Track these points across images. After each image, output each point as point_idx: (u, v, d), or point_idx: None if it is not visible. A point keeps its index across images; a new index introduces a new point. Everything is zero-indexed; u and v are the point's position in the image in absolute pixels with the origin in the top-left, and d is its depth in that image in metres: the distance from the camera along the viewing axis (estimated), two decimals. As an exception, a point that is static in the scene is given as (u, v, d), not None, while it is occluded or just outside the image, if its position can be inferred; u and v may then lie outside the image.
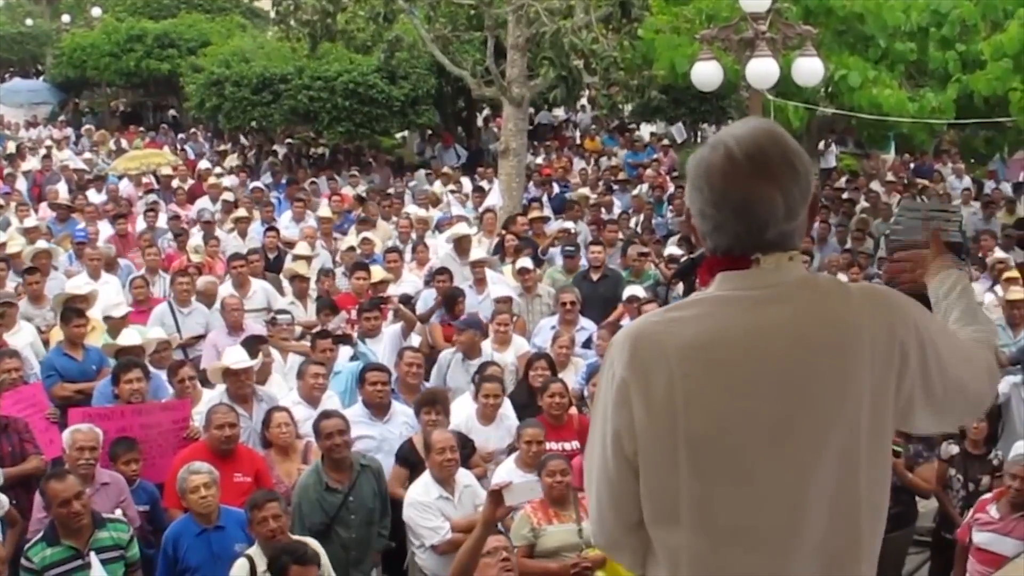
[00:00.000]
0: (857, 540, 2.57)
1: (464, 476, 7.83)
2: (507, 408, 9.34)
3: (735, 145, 2.53)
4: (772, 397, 2.48)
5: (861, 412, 2.53)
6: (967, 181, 22.19)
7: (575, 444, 8.95)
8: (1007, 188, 21.85)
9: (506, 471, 8.19)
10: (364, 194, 20.88)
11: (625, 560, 2.78)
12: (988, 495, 8.01)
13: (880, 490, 2.62)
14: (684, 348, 2.48)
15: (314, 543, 7.12)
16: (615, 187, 21.78)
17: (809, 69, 14.20)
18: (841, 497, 2.52)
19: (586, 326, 11.65)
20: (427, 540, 7.58)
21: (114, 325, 10.65)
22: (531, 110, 24.11)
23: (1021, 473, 7.66)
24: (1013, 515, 7.62)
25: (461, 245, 14.03)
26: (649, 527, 2.57)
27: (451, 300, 11.89)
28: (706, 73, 14.38)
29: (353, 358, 10.43)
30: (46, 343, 11.07)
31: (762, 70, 13.67)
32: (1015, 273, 12.64)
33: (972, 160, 22.17)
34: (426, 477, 7.67)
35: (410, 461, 8.39)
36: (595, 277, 13.06)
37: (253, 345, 9.82)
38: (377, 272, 12.81)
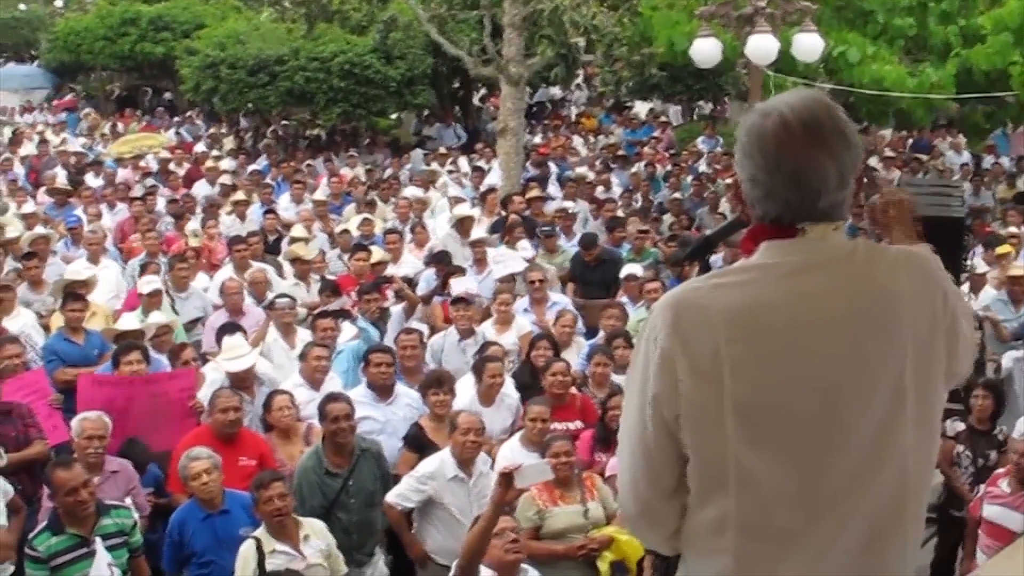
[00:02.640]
0: (903, 502, 2.62)
1: (482, 461, 7.79)
2: (508, 388, 9.33)
3: (790, 113, 2.56)
4: (816, 363, 2.52)
5: (905, 376, 2.56)
6: (966, 156, 22.14)
7: (578, 424, 8.97)
8: (1006, 162, 21.82)
9: (510, 450, 8.20)
10: (364, 175, 20.82)
11: (655, 532, 2.78)
12: (1001, 470, 8.01)
13: (928, 452, 2.68)
14: (728, 314, 2.50)
15: (319, 525, 7.13)
16: (613, 165, 21.73)
17: (809, 45, 14.16)
18: (887, 460, 2.57)
19: (557, 300, 11.67)
20: (391, 495, 7.63)
21: (146, 306, 10.69)
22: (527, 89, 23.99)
23: (1023, 448, 7.66)
24: (1022, 490, 7.61)
25: (464, 226, 14.00)
26: (697, 498, 2.60)
27: (444, 279, 11.97)
28: (705, 50, 14.34)
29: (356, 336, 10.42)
30: (46, 328, 11.03)
31: (762, 46, 13.64)
32: (1006, 249, 12.67)
33: (972, 135, 22.08)
34: (445, 454, 7.66)
35: (419, 444, 8.37)
36: (592, 261, 13.04)
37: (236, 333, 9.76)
38: (376, 253, 12.77)
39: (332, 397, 8.06)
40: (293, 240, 13.84)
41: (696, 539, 2.65)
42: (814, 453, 2.52)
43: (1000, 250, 12.67)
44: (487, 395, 9.07)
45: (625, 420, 2.70)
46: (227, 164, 21.93)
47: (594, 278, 12.79)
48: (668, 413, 2.55)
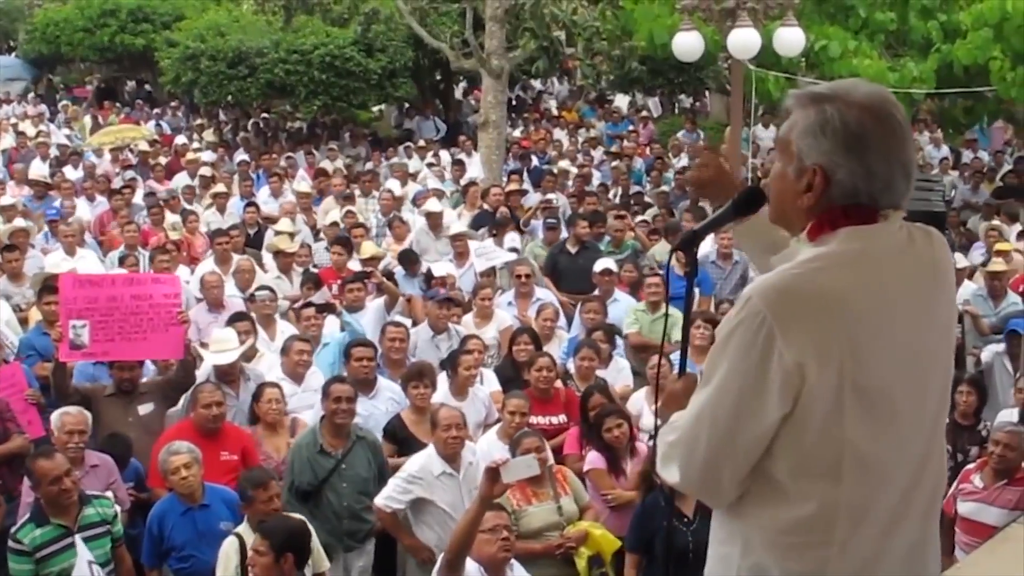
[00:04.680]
0: (944, 466, 2.81)
1: (469, 452, 7.76)
2: (478, 382, 9.34)
3: (892, 107, 2.67)
4: (906, 339, 2.65)
5: (952, 342, 2.83)
6: (945, 150, 22.22)
7: (562, 418, 8.97)
8: (984, 157, 21.91)
9: (488, 443, 8.21)
10: (344, 168, 20.77)
11: (716, 502, 2.84)
12: (972, 465, 8.02)
13: None
14: (842, 298, 2.58)
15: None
16: (604, 158, 21.76)
17: (790, 39, 14.15)
18: (942, 423, 2.79)
19: (541, 296, 11.66)
20: (379, 498, 7.55)
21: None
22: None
23: (1004, 439, 7.64)
24: (997, 483, 7.61)
25: (432, 220, 14.01)
26: (793, 492, 2.64)
27: (406, 261, 12.10)
28: (687, 44, 14.31)
29: (341, 329, 10.39)
30: (25, 321, 10.96)
31: (744, 40, 13.62)
32: (1008, 245, 12.75)
33: (951, 130, 22.18)
34: (430, 451, 7.60)
35: (398, 437, 8.38)
36: (573, 250, 13.02)
37: (237, 322, 9.74)
38: (368, 248, 12.74)
39: (338, 379, 8.28)
40: (278, 233, 13.82)
41: (787, 535, 2.66)
42: (907, 425, 2.65)
43: (1000, 246, 12.73)
44: (461, 388, 9.05)
45: (706, 410, 2.69)
46: (207, 156, 21.84)
47: (575, 267, 12.79)
48: (779, 411, 2.58)
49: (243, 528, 6.80)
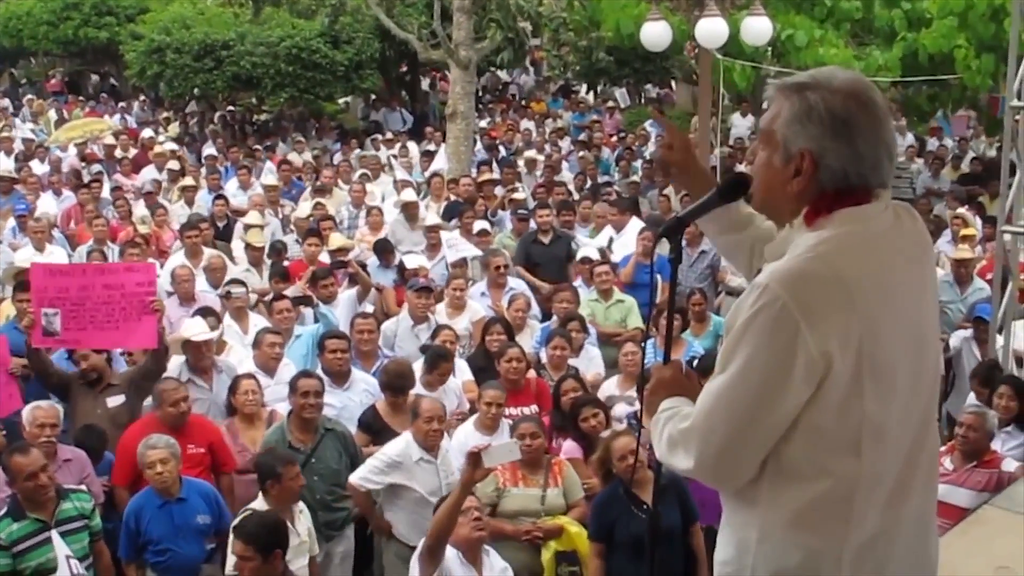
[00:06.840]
0: (939, 437, 2.91)
1: (444, 439, 7.77)
2: (453, 371, 9.32)
3: (872, 91, 2.75)
4: (907, 310, 2.75)
5: (937, 311, 2.94)
6: (910, 138, 22.38)
7: (533, 408, 8.97)
8: (949, 144, 22.09)
9: (465, 434, 8.21)
10: (313, 160, 20.71)
11: (724, 488, 2.89)
12: (942, 448, 8.10)
13: None
14: (857, 281, 2.65)
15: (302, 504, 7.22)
16: (572, 148, 21.79)
17: (758, 28, 14.25)
18: (936, 392, 2.87)
19: (514, 286, 11.69)
20: (354, 476, 7.55)
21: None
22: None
23: (968, 421, 7.73)
24: (966, 465, 7.69)
25: (409, 211, 14.00)
26: (811, 471, 2.69)
27: (381, 250, 12.12)
28: (655, 33, 14.38)
29: (314, 320, 10.38)
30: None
31: (712, 30, 13.70)
32: (971, 231, 12.86)
33: (915, 118, 22.38)
34: (408, 437, 7.57)
35: (373, 428, 8.37)
36: (546, 240, 13.05)
37: (207, 316, 9.72)
38: (336, 239, 12.73)
39: (305, 374, 8.23)
40: (248, 227, 13.76)
41: (806, 514, 2.71)
42: (910, 392, 2.73)
43: (965, 231, 12.86)
44: (434, 385, 9.02)
45: (724, 397, 2.73)
46: (168, 145, 21.69)
47: (548, 256, 12.82)
48: (803, 396, 2.64)
49: (258, 503, 6.89)
